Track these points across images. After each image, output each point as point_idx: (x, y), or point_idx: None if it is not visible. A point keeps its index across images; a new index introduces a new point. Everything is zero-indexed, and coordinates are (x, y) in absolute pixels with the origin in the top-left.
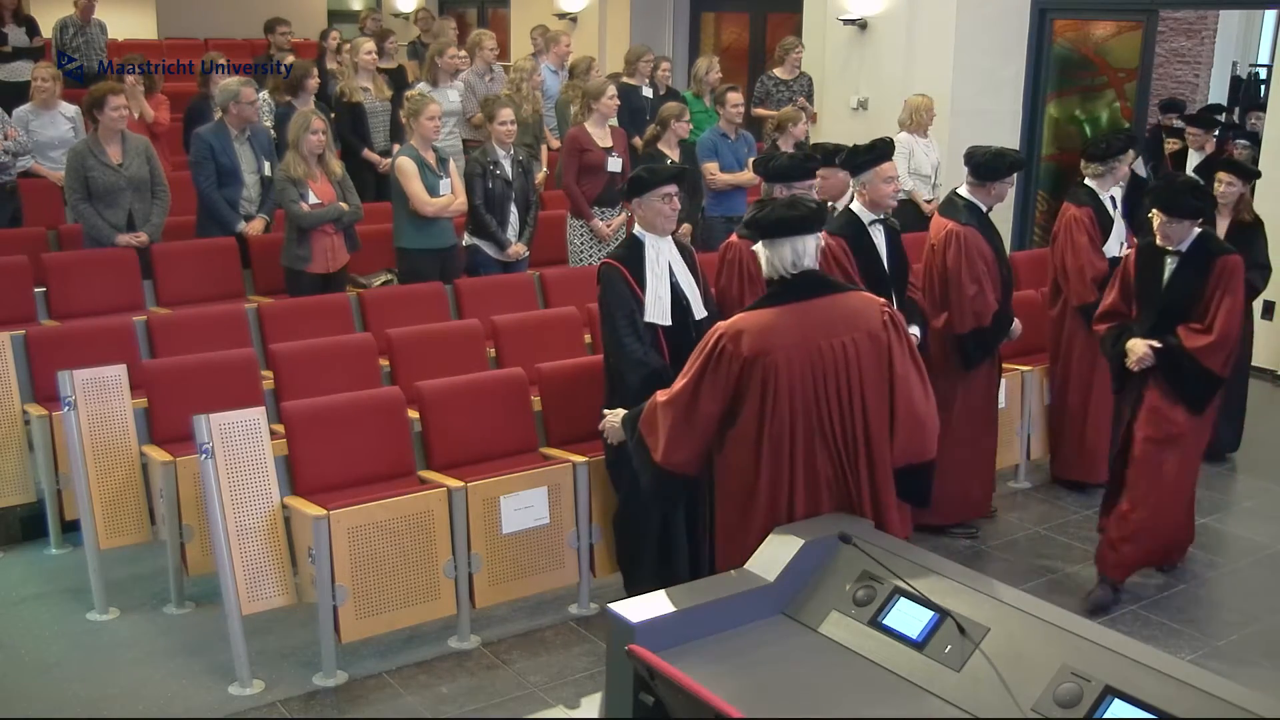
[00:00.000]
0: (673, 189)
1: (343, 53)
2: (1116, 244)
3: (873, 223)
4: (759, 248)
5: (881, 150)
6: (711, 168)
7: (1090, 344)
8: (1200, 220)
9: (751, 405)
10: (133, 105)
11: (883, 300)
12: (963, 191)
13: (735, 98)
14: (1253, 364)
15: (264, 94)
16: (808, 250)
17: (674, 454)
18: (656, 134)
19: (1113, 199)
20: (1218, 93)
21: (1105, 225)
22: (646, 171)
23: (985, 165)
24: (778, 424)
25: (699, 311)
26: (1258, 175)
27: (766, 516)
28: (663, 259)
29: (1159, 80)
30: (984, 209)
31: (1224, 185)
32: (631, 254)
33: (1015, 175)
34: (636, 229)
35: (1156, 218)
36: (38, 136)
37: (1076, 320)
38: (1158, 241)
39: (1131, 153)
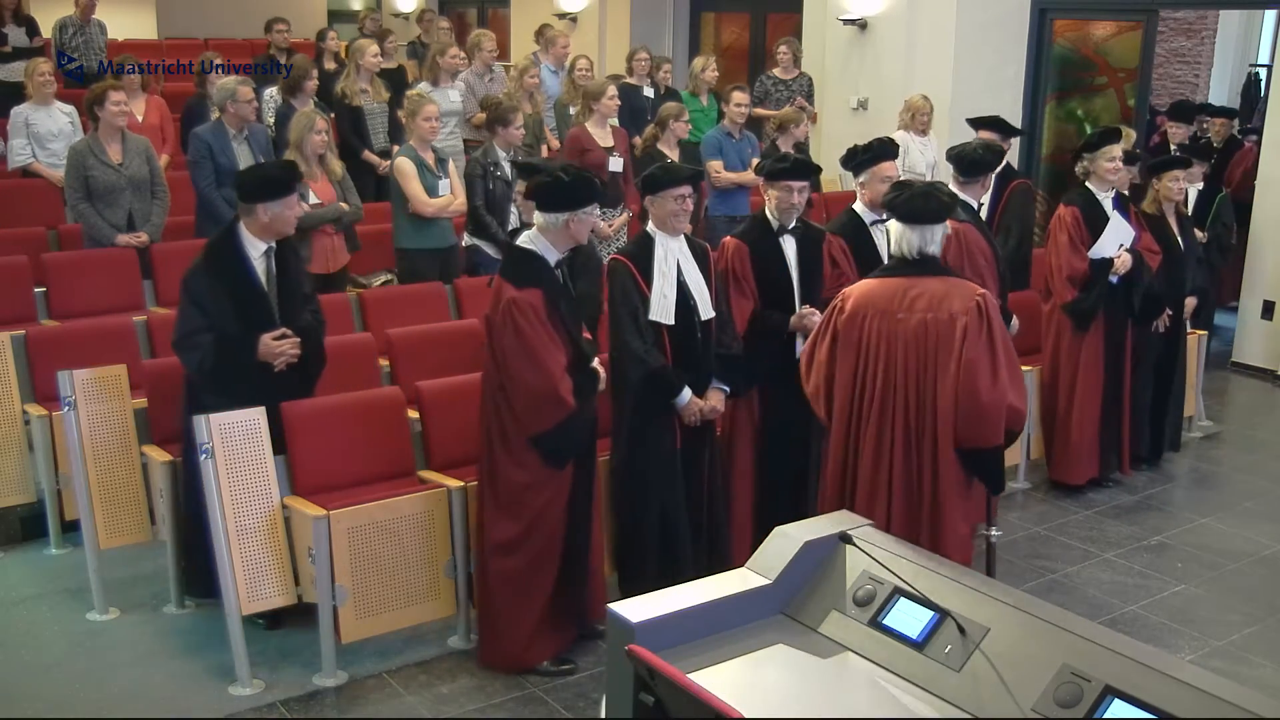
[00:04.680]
0: (687, 190)
1: (344, 55)
2: (1114, 244)
3: (874, 223)
4: (891, 225)
5: (879, 150)
6: (716, 166)
7: (1075, 343)
8: None
9: (847, 358)
10: (135, 106)
11: (983, 291)
12: (954, 190)
13: (740, 97)
14: (1252, 364)
15: (271, 91)
16: (934, 238)
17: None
18: (655, 134)
19: (1116, 196)
20: (1218, 93)
21: (1098, 225)
22: (661, 170)
23: (976, 161)
24: (859, 379)
25: (705, 312)
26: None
27: (837, 469)
28: (671, 258)
29: (1159, 80)
30: (976, 206)
31: (1180, 183)
32: (641, 251)
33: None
34: (649, 226)
35: None
36: (37, 129)
37: (1064, 320)
38: None
39: (1118, 148)
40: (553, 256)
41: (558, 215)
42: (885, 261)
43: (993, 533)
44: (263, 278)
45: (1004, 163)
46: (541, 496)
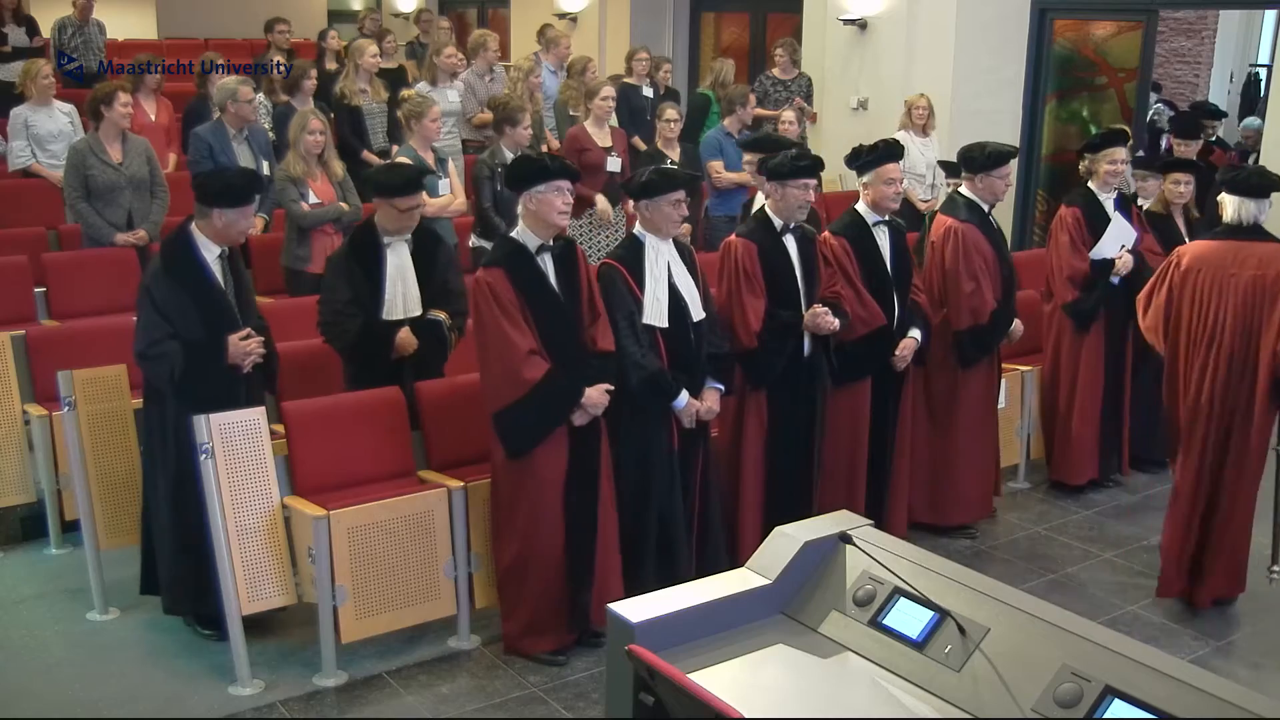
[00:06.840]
0: (682, 195)
1: (344, 55)
2: (1115, 245)
3: (876, 224)
4: (1226, 198)
5: (884, 151)
6: (716, 166)
7: (1076, 344)
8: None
9: (1181, 305)
10: (148, 106)
11: None
12: (964, 190)
13: (754, 100)
14: None
15: (259, 95)
16: (1265, 208)
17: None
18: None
19: (1118, 198)
20: (1218, 94)
21: (1099, 226)
22: (659, 175)
23: (968, 158)
24: (1189, 322)
25: (696, 313)
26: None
27: (1171, 392)
28: (661, 260)
29: (1159, 80)
30: (984, 207)
31: (1182, 185)
32: (631, 255)
33: (1008, 169)
34: (637, 229)
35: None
36: (37, 130)
37: (1065, 320)
38: None
39: (1123, 150)
40: (532, 243)
41: (518, 198)
42: (888, 262)
43: None
44: (220, 280)
45: None
46: (513, 479)
